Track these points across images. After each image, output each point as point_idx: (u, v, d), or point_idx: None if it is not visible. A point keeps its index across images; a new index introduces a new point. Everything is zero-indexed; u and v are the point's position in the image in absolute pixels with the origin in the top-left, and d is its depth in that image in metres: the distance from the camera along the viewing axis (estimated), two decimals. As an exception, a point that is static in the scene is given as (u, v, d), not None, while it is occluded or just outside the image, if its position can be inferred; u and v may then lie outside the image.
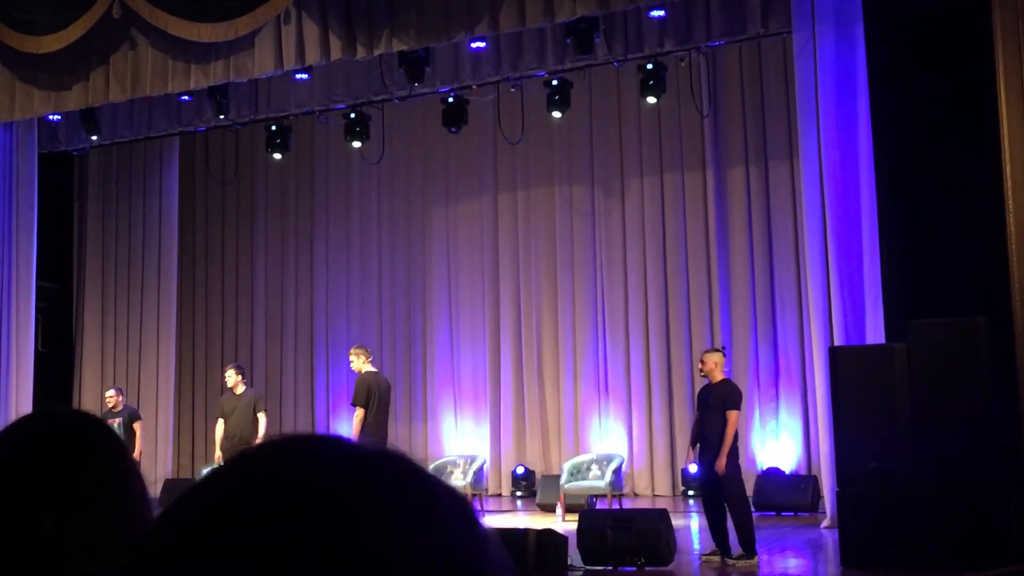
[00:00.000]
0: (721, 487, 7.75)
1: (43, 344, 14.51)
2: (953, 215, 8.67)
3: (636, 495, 13.14)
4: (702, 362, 8.20)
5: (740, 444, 8.10)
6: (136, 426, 12.04)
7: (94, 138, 13.81)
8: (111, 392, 12.41)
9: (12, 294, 13.73)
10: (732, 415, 7.81)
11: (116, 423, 11.71)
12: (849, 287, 9.50)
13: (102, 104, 12.50)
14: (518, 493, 13.42)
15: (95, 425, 1.16)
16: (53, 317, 15.24)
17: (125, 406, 12.33)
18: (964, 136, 8.64)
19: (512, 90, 12.96)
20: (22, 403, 13.38)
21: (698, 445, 8.03)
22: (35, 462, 1.11)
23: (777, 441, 12.63)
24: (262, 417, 10.95)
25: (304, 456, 0.59)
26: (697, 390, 13.00)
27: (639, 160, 13.75)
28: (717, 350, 8.45)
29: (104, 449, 1.14)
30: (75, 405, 14.96)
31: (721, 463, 7.69)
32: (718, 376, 8.08)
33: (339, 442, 0.60)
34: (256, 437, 10.85)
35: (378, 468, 0.59)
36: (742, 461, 8.09)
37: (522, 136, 13.40)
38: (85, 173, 15.75)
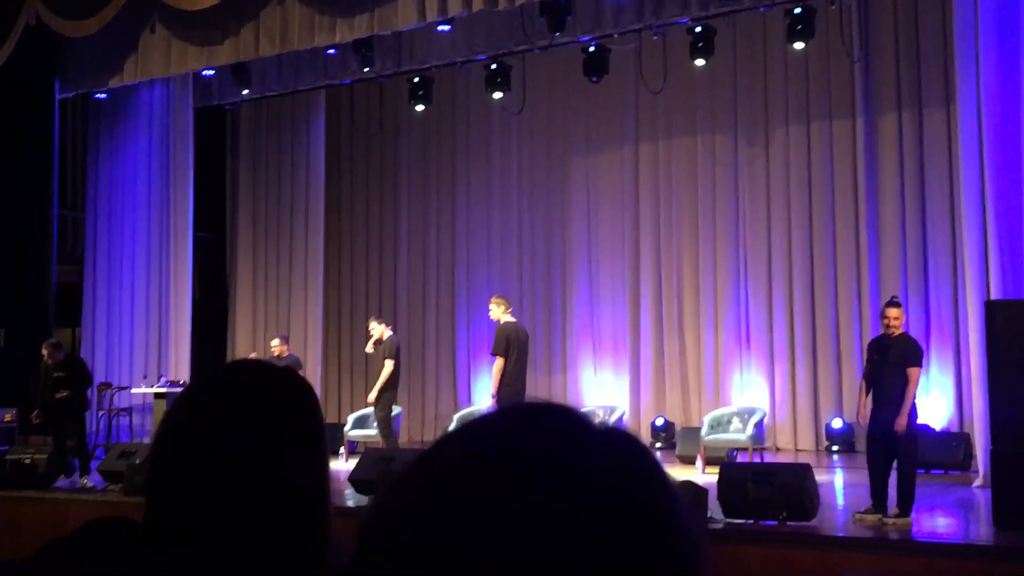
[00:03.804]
0: (895, 445, 7.57)
1: (199, 291, 15.12)
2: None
3: (778, 449, 12.96)
4: (894, 317, 7.91)
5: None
6: None
7: (245, 92, 14.23)
8: (276, 341, 12.22)
9: (171, 243, 14.36)
10: (913, 372, 7.62)
11: None
12: (1008, 238, 9.11)
13: (252, 59, 12.87)
14: (658, 444, 13.40)
15: (298, 377, 1.31)
16: (208, 265, 15.86)
17: (290, 355, 12.17)
18: None
19: (654, 38, 12.76)
20: (181, 347, 13.99)
21: (870, 395, 7.81)
22: (257, 402, 1.23)
23: (927, 397, 12.24)
24: (388, 364, 11.08)
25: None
26: (841, 343, 12.85)
27: (785, 108, 13.38)
28: (900, 304, 8.20)
29: (309, 396, 1.28)
30: (229, 350, 15.58)
31: (902, 422, 7.51)
32: (899, 330, 7.88)
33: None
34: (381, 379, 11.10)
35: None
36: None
37: (664, 85, 13.20)
38: (237, 126, 16.27)
